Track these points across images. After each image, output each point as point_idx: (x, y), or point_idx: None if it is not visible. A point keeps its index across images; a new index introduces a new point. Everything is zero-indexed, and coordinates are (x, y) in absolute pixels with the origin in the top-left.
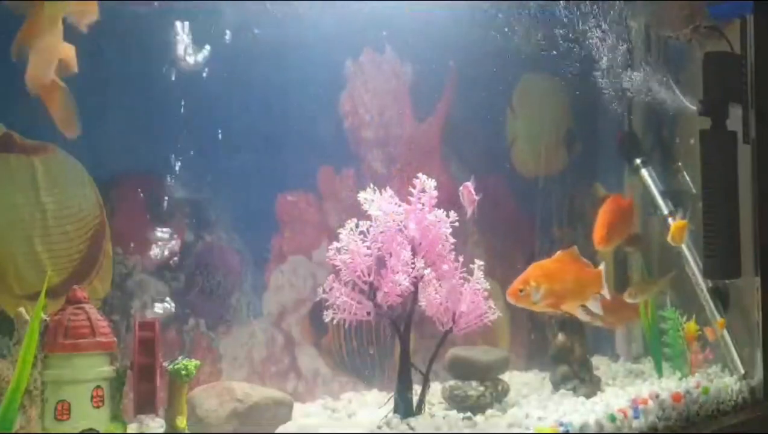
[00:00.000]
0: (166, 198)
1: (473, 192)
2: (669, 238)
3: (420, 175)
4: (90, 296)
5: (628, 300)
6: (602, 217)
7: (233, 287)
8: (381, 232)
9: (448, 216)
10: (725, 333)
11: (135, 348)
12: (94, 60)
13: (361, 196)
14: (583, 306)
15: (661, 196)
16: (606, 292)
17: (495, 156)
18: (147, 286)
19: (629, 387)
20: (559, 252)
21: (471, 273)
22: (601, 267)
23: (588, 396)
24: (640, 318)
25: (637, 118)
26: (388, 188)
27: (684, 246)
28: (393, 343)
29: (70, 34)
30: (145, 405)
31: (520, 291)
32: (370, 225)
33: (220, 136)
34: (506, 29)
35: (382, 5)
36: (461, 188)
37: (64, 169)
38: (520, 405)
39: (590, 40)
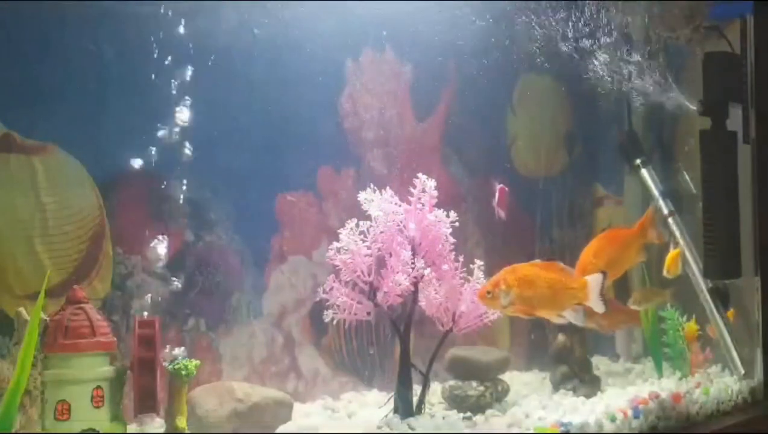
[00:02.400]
0: (166, 198)
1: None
2: (665, 272)
3: (420, 174)
4: (90, 296)
5: (633, 307)
6: (584, 256)
7: (233, 287)
8: (381, 232)
9: (448, 216)
10: (725, 333)
11: (135, 346)
12: (94, 60)
13: (361, 196)
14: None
15: (661, 196)
16: (595, 305)
17: (495, 156)
18: (147, 286)
19: (629, 387)
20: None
21: (471, 273)
22: (590, 278)
23: (588, 396)
24: (640, 323)
25: (637, 118)
26: (388, 188)
27: (684, 247)
28: (393, 343)
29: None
30: (146, 400)
31: (488, 292)
32: (370, 226)
33: (220, 136)
34: (506, 28)
35: (382, 5)
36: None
37: (64, 169)
38: (520, 405)
39: (590, 40)
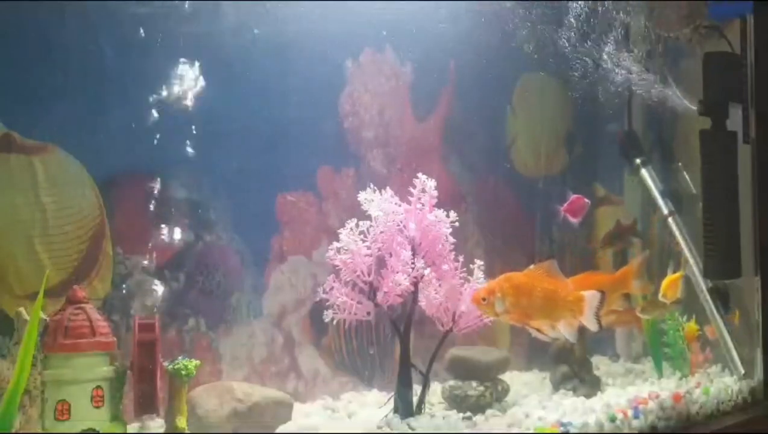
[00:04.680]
0: (166, 198)
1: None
2: (660, 295)
3: (420, 174)
4: (90, 296)
5: (640, 315)
6: None
7: (233, 287)
8: (381, 232)
9: (448, 216)
10: (725, 333)
11: (135, 352)
12: (94, 59)
13: (361, 196)
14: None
15: (661, 196)
16: (589, 322)
17: (495, 155)
18: (147, 286)
19: (629, 387)
20: (533, 266)
21: (471, 273)
22: (587, 293)
23: (588, 396)
24: (641, 323)
25: (637, 118)
26: (388, 188)
27: (684, 247)
28: (393, 343)
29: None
30: (145, 404)
31: (483, 299)
32: (370, 226)
33: (220, 136)
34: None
35: (382, 5)
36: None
37: (64, 169)
38: (520, 405)
39: (591, 40)
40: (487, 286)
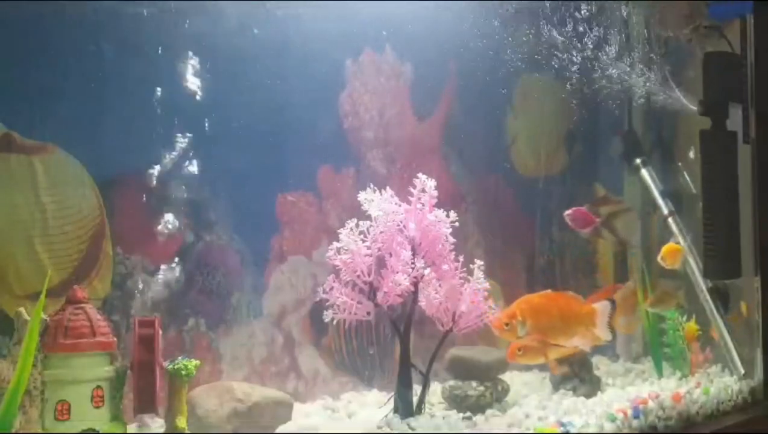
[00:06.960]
0: (166, 198)
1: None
2: (659, 258)
3: (420, 174)
4: (90, 296)
5: (648, 309)
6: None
7: (233, 287)
8: (381, 232)
9: (448, 216)
10: (725, 333)
11: (134, 347)
12: (94, 60)
13: (361, 196)
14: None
15: (661, 196)
16: (602, 332)
17: (495, 156)
18: (147, 286)
19: (629, 387)
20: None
21: (471, 273)
22: (598, 305)
23: (588, 396)
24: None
25: (637, 118)
26: (388, 188)
27: (684, 247)
28: (393, 343)
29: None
30: (145, 401)
31: (506, 325)
32: (370, 225)
33: (220, 136)
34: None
35: (381, 5)
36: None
37: (64, 169)
38: (520, 405)
39: (590, 40)
40: (507, 311)
